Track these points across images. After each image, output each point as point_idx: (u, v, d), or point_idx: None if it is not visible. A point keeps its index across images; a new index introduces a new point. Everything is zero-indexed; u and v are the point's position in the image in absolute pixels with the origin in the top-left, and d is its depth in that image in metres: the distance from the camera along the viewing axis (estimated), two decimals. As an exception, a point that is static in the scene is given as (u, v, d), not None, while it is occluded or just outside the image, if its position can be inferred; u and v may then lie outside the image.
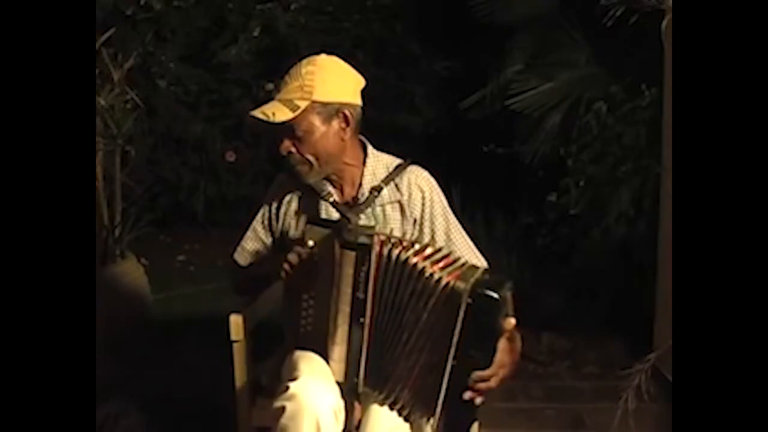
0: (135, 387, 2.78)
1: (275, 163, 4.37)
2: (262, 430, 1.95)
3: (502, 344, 1.66)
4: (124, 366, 2.94)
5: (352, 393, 1.80)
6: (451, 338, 1.62)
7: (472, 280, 1.63)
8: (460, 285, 1.62)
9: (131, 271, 3.42)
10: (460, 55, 4.43)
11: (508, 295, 1.65)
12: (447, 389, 1.66)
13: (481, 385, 1.64)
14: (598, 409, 2.71)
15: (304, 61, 1.90)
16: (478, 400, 1.67)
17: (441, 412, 1.68)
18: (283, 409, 1.70)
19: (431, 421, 1.69)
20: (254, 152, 4.87)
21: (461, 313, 1.61)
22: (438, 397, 1.67)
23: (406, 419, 1.74)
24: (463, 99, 3.98)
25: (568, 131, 3.62)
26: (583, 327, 3.28)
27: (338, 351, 1.79)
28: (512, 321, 1.65)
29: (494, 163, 3.82)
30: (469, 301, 1.60)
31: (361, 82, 1.94)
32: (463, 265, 1.73)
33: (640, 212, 3.39)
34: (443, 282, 1.64)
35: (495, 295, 1.60)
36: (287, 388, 1.71)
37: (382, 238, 1.74)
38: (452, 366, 1.64)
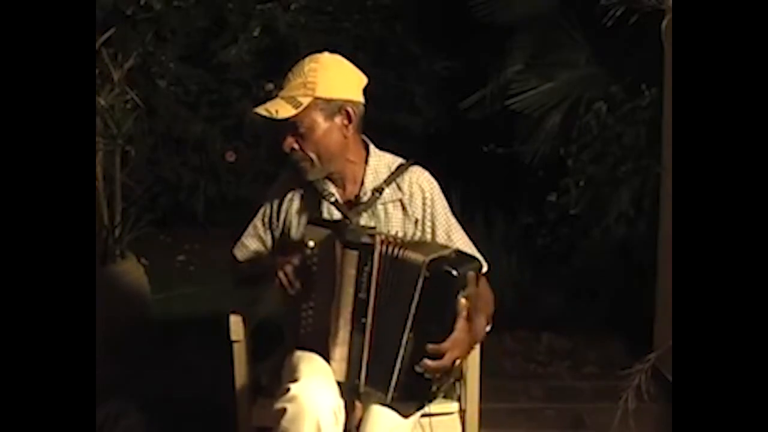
0: (135, 387, 2.77)
1: (275, 163, 4.38)
2: (262, 430, 1.95)
3: (460, 323, 1.70)
4: (124, 366, 2.93)
5: (353, 393, 1.80)
6: (408, 311, 1.67)
7: (433, 255, 1.68)
8: (419, 257, 1.67)
9: (131, 271, 3.42)
10: (460, 55, 4.43)
11: (471, 274, 1.70)
12: (401, 363, 1.70)
13: (433, 363, 1.68)
14: (598, 409, 2.70)
15: (307, 59, 1.91)
16: (430, 366, 1.69)
17: (396, 385, 1.71)
18: (284, 410, 1.70)
19: (387, 394, 1.73)
20: (254, 152, 4.86)
21: (419, 286, 1.66)
22: (393, 369, 1.70)
23: (393, 410, 1.76)
24: (463, 99, 3.98)
25: (568, 131, 3.62)
26: (583, 327, 3.28)
27: (340, 351, 1.79)
28: (464, 301, 1.69)
29: (494, 163, 3.82)
30: (427, 274, 1.65)
31: (363, 80, 1.94)
32: (431, 244, 1.78)
33: (640, 212, 3.39)
34: (405, 255, 1.69)
35: (453, 272, 1.65)
36: (288, 389, 1.71)
37: (384, 237, 1.74)
38: (408, 338, 1.69)
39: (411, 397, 1.75)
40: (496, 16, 3.80)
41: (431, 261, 1.67)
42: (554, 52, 3.74)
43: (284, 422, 1.70)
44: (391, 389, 1.73)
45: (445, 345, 1.69)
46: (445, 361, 1.70)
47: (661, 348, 2.43)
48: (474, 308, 1.74)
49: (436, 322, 1.69)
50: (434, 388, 1.76)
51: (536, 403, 2.84)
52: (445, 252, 1.74)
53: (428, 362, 1.69)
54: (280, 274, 1.81)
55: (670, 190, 2.75)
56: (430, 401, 1.82)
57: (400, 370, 1.71)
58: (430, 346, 1.68)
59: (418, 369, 1.69)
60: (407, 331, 1.69)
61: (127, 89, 3.59)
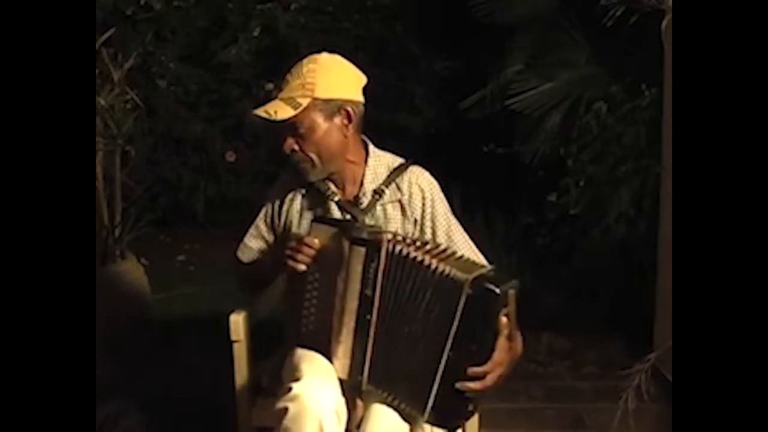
0: (135, 387, 2.77)
1: (275, 163, 4.38)
2: (262, 430, 1.95)
3: (500, 342, 1.66)
4: (124, 366, 2.93)
5: (355, 390, 1.79)
6: (449, 329, 1.63)
7: (476, 273, 1.64)
8: (462, 275, 1.63)
9: (131, 271, 3.42)
10: (460, 55, 4.43)
11: (511, 292, 1.65)
12: (441, 381, 1.66)
13: (476, 385, 1.65)
14: (598, 409, 2.70)
15: (306, 60, 1.91)
16: (473, 386, 1.65)
17: (434, 404, 1.68)
18: (285, 410, 1.70)
19: (425, 412, 1.69)
20: (254, 152, 4.86)
21: (461, 304, 1.61)
22: (431, 388, 1.67)
23: (404, 418, 1.75)
24: (463, 99, 3.98)
25: (568, 131, 3.61)
26: (583, 327, 3.28)
27: (343, 348, 1.79)
28: (505, 320, 1.66)
29: (494, 163, 3.82)
30: (470, 292, 1.61)
31: (362, 79, 1.94)
32: (468, 260, 1.74)
33: (640, 212, 3.39)
34: (444, 271, 1.65)
35: (496, 290, 1.61)
36: (290, 388, 1.70)
37: (390, 236, 1.74)
38: (448, 357, 1.65)
39: (449, 416, 1.71)
40: (496, 16, 3.80)
41: (474, 279, 1.63)
42: (554, 52, 3.74)
43: (286, 421, 1.69)
44: (428, 408, 1.69)
45: (489, 366, 1.65)
46: (488, 381, 1.65)
47: (661, 348, 2.43)
48: (513, 326, 1.70)
49: (477, 340, 1.65)
50: (471, 407, 1.72)
51: (536, 403, 2.84)
52: (483, 270, 1.69)
53: (470, 384, 1.64)
54: (289, 253, 1.79)
55: (670, 190, 2.75)
56: (467, 419, 1.79)
57: (438, 388, 1.66)
58: (475, 369, 1.64)
59: (459, 387, 1.65)
60: (447, 349, 1.64)
61: (127, 89, 3.59)
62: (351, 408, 1.79)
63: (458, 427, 1.77)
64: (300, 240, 1.80)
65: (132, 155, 3.89)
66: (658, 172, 2.99)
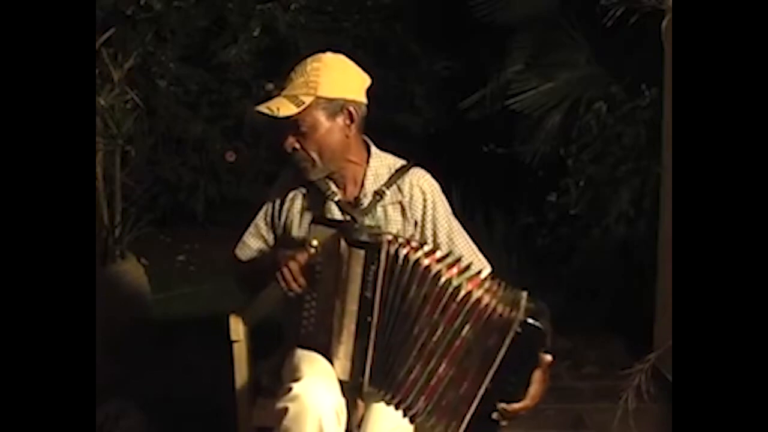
0: (135, 387, 2.77)
1: (275, 163, 4.38)
2: (262, 430, 1.95)
3: (537, 375, 1.69)
4: (124, 366, 2.93)
5: (355, 391, 1.79)
6: (493, 363, 1.64)
7: (522, 309, 1.64)
8: (511, 313, 1.63)
9: (131, 271, 3.42)
10: (460, 55, 4.43)
11: (549, 326, 1.67)
12: (476, 408, 1.68)
13: (511, 408, 1.69)
14: (598, 409, 2.70)
15: (310, 58, 1.90)
16: (504, 423, 1.70)
17: (465, 429, 1.69)
18: (285, 410, 1.70)
19: None
20: (254, 152, 4.86)
21: (508, 340, 1.63)
22: (467, 415, 1.68)
23: (411, 420, 1.75)
24: (463, 99, 3.98)
25: (568, 131, 3.62)
26: (583, 327, 3.27)
27: (343, 350, 1.79)
28: (549, 357, 1.69)
29: (494, 163, 3.82)
30: (519, 330, 1.62)
31: (366, 80, 1.94)
32: (506, 288, 1.73)
33: (640, 212, 3.39)
34: (489, 304, 1.65)
35: (540, 326, 1.63)
36: (290, 388, 1.70)
37: (391, 237, 1.74)
38: (486, 389, 1.66)
39: None
40: (496, 16, 3.80)
41: (524, 319, 1.63)
42: (554, 52, 3.74)
43: (286, 421, 1.69)
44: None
45: (526, 403, 1.70)
46: (520, 411, 1.70)
47: (661, 348, 2.43)
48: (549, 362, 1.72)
49: (517, 373, 1.67)
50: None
51: (536, 403, 2.84)
52: (525, 301, 1.68)
53: (507, 410, 1.68)
54: (279, 275, 1.80)
55: (670, 190, 2.75)
56: None
57: (473, 414, 1.69)
58: (514, 407, 1.68)
59: (495, 417, 1.68)
60: (487, 381, 1.66)
61: (127, 89, 3.59)
62: (351, 408, 1.79)
63: None
64: (291, 257, 1.80)
65: (132, 155, 3.89)
66: (658, 172, 2.99)
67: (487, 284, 1.71)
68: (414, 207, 1.95)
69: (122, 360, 2.95)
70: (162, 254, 4.41)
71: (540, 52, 3.79)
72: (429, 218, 1.95)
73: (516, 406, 1.68)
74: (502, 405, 1.67)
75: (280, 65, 4.32)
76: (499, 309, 1.65)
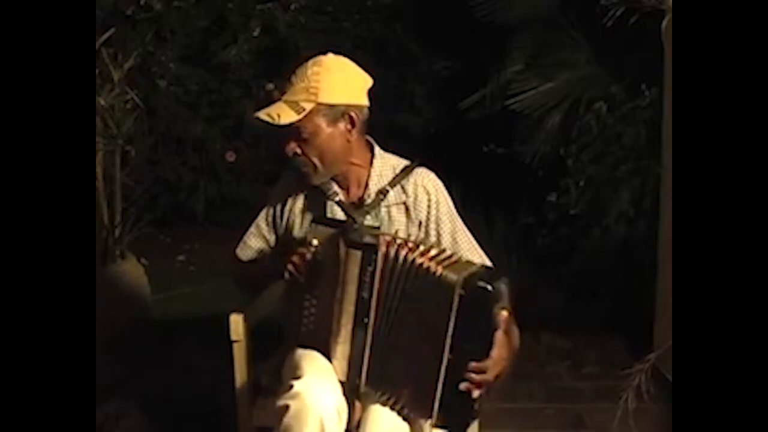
0: (135, 387, 2.77)
1: (275, 163, 4.38)
2: (262, 430, 1.95)
3: (498, 337, 1.66)
4: (124, 366, 2.93)
5: (353, 392, 1.80)
6: (446, 331, 1.63)
7: (465, 273, 1.64)
8: (453, 276, 1.63)
9: (131, 271, 3.42)
10: (460, 55, 4.43)
11: (503, 288, 1.66)
12: (444, 383, 1.66)
13: (478, 377, 1.65)
14: (598, 409, 2.70)
15: (310, 62, 1.88)
16: (476, 393, 1.67)
17: (439, 407, 1.67)
18: (286, 407, 1.70)
19: (431, 418, 1.69)
20: (254, 152, 4.86)
21: (455, 305, 1.62)
22: (435, 392, 1.67)
23: (404, 418, 1.75)
24: (463, 99, 3.98)
25: (568, 131, 3.62)
26: (583, 327, 3.27)
27: (341, 350, 1.79)
28: (505, 313, 1.66)
29: (494, 163, 3.82)
30: (462, 292, 1.61)
31: (368, 81, 1.93)
32: (459, 260, 1.74)
33: (640, 212, 3.39)
34: (437, 273, 1.65)
35: (488, 287, 1.61)
36: (291, 386, 1.70)
37: (388, 238, 1.74)
38: (448, 360, 1.65)
39: (456, 417, 1.71)
40: (496, 16, 3.80)
41: (465, 279, 1.63)
42: (554, 52, 3.74)
43: (287, 419, 1.69)
44: (435, 412, 1.69)
45: (488, 362, 1.65)
46: (489, 377, 1.66)
47: (661, 348, 2.43)
48: (510, 321, 1.70)
49: (475, 339, 1.65)
50: (477, 406, 1.72)
51: (536, 403, 2.84)
52: (473, 268, 1.69)
53: (474, 376, 1.65)
54: (290, 266, 1.79)
55: (670, 190, 2.75)
56: (474, 419, 1.79)
57: (442, 391, 1.66)
58: (474, 364, 1.64)
59: (462, 387, 1.65)
60: (446, 352, 1.64)
61: (127, 89, 3.59)
62: (350, 409, 1.79)
63: (467, 426, 1.76)
64: (299, 252, 1.80)
65: (132, 155, 3.88)
66: (658, 172, 2.99)
67: (440, 256, 1.71)
68: (419, 207, 1.94)
69: (122, 360, 2.95)
70: (162, 254, 4.40)
71: (540, 52, 3.79)
72: (433, 218, 1.95)
73: (477, 364, 1.64)
74: (468, 371, 1.65)
75: (280, 65, 4.33)
76: (443, 274, 1.65)
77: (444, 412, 1.68)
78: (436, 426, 1.72)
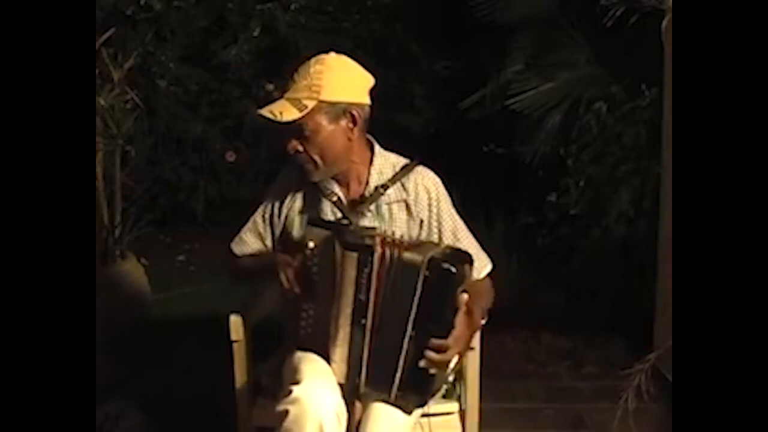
0: (135, 387, 2.77)
1: (275, 163, 4.37)
2: (262, 430, 1.95)
3: (460, 318, 1.73)
4: (124, 366, 2.93)
5: (353, 393, 1.80)
6: (410, 309, 1.69)
7: (430, 253, 1.70)
8: (418, 257, 1.69)
9: (131, 271, 3.42)
10: (460, 55, 4.43)
11: (467, 269, 1.73)
12: (405, 362, 1.72)
13: (436, 356, 1.71)
14: (598, 409, 2.70)
15: (313, 60, 1.89)
16: (433, 371, 1.73)
17: (400, 383, 1.73)
18: (286, 412, 1.70)
19: (391, 393, 1.74)
20: (254, 152, 4.86)
21: (419, 285, 1.68)
22: (396, 368, 1.72)
23: (396, 406, 1.78)
24: (463, 99, 3.98)
25: (568, 131, 3.62)
26: (583, 327, 3.28)
27: (339, 352, 1.79)
28: (466, 296, 1.73)
29: (494, 163, 3.82)
30: (427, 273, 1.68)
31: (369, 81, 1.93)
32: (426, 243, 1.80)
33: (640, 212, 3.39)
34: (405, 257, 1.71)
35: (452, 269, 1.67)
36: (290, 391, 1.70)
37: (384, 239, 1.74)
38: (410, 338, 1.71)
39: (414, 393, 1.77)
40: (496, 16, 3.80)
41: (430, 260, 1.69)
42: (554, 52, 3.74)
43: (287, 424, 1.69)
44: (395, 387, 1.74)
45: (448, 341, 1.72)
46: (448, 355, 1.73)
47: (661, 348, 2.43)
48: (472, 302, 1.76)
49: (437, 319, 1.71)
50: (436, 384, 1.79)
51: (536, 403, 2.84)
52: (439, 249, 1.76)
53: (432, 355, 1.71)
54: (282, 277, 1.80)
55: (670, 190, 2.75)
56: (432, 396, 1.83)
57: (403, 368, 1.73)
58: (434, 341, 1.70)
59: (422, 364, 1.71)
60: (409, 329, 1.71)
61: (127, 89, 3.59)
62: (350, 409, 1.79)
63: (424, 403, 1.82)
64: (288, 263, 1.81)
65: (132, 155, 3.89)
66: (658, 172, 2.99)
67: (404, 242, 1.77)
68: (419, 205, 1.95)
69: (122, 360, 2.95)
70: (162, 254, 4.40)
71: (540, 52, 3.79)
72: (434, 216, 1.95)
73: (437, 341, 1.70)
74: (427, 348, 1.71)
75: (280, 65, 4.33)
76: (410, 257, 1.71)
77: (403, 388, 1.74)
78: (394, 404, 1.77)
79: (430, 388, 1.79)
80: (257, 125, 4.57)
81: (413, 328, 1.70)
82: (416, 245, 1.78)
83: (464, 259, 1.74)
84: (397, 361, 1.72)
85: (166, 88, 4.71)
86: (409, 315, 1.70)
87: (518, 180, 3.87)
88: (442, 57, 4.59)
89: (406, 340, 1.71)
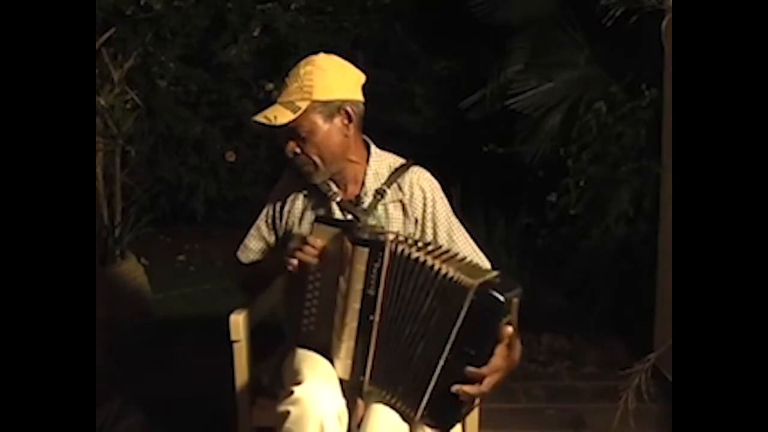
0: (135, 387, 2.78)
1: (275, 163, 4.38)
2: (262, 430, 1.95)
3: (499, 349, 1.65)
4: (124, 366, 2.93)
5: (356, 391, 1.79)
6: (450, 331, 1.63)
7: (482, 278, 1.64)
8: (468, 280, 1.63)
9: (131, 271, 3.42)
10: (460, 55, 4.44)
11: (515, 300, 1.65)
12: (437, 383, 1.66)
13: (471, 389, 1.64)
14: (598, 409, 2.71)
15: (302, 62, 1.91)
16: (465, 398, 1.66)
17: (427, 404, 1.68)
18: (287, 413, 1.69)
19: (418, 411, 1.70)
20: (254, 152, 4.87)
21: (464, 309, 1.61)
22: (426, 388, 1.68)
23: (395, 409, 1.75)
24: (463, 99, 3.98)
25: (568, 131, 3.62)
26: (583, 327, 3.28)
27: (345, 348, 1.79)
28: (510, 329, 1.65)
29: (494, 163, 3.82)
30: (474, 297, 1.61)
31: (360, 78, 1.95)
32: (475, 265, 1.74)
33: (640, 212, 3.39)
34: (450, 275, 1.64)
35: (501, 298, 1.60)
36: (291, 392, 1.70)
37: (394, 236, 1.74)
38: (446, 360, 1.65)
39: (441, 417, 1.71)
40: (496, 16, 3.80)
41: (480, 284, 1.62)
42: (554, 52, 3.74)
43: (287, 424, 1.69)
44: (422, 407, 1.69)
45: (485, 371, 1.64)
46: (483, 387, 1.65)
47: (661, 348, 2.43)
48: (514, 337, 1.68)
49: (477, 346, 1.64)
50: (464, 411, 1.73)
51: (536, 403, 2.84)
52: (489, 275, 1.68)
53: (467, 387, 1.64)
54: (287, 258, 1.78)
55: (670, 190, 2.75)
56: (458, 422, 1.80)
57: (433, 389, 1.67)
58: (472, 370, 1.63)
59: (454, 389, 1.64)
60: (446, 352, 1.64)
61: (127, 89, 3.59)
62: (351, 408, 1.79)
63: (450, 428, 1.76)
64: (303, 239, 1.80)
65: (132, 155, 3.89)
66: (658, 172, 2.99)
67: (447, 258, 1.70)
68: (414, 205, 1.96)
69: (122, 360, 2.95)
70: (162, 254, 4.41)
71: (540, 52, 3.79)
72: (429, 216, 1.96)
73: (474, 369, 1.62)
74: (463, 377, 1.64)
75: (280, 65, 4.34)
76: (458, 277, 1.64)
77: (430, 409, 1.69)
78: (420, 422, 1.73)
79: (457, 415, 1.73)
80: (258, 126, 4.57)
81: (450, 351, 1.64)
82: (455, 259, 1.72)
83: (513, 288, 1.65)
84: (429, 381, 1.67)
85: (166, 88, 4.71)
86: (449, 337, 1.63)
87: (518, 180, 3.86)
88: (442, 57, 4.60)
89: (441, 362, 1.65)
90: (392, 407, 1.75)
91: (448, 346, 1.64)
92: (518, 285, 1.67)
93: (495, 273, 1.71)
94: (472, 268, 1.71)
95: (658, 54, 2.77)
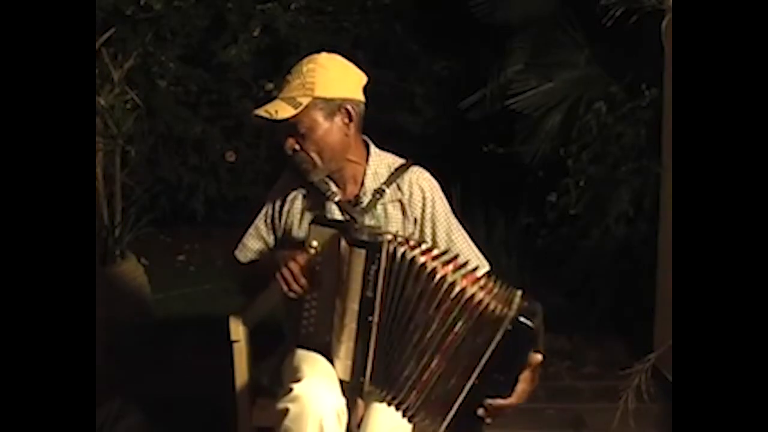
0: (135, 387, 2.77)
1: (275, 163, 4.38)
2: (262, 430, 1.95)
3: (525, 374, 1.68)
4: (124, 366, 2.93)
5: (356, 391, 1.80)
6: (481, 359, 1.64)
7: (515, 306, 1.64)
8: (506, 311, 1.63)
9: (131, 271, 3.42)
10: (460, 55, 4.44)
11: (541, 327, 1.66)
12: (462, 402, 1.68)
13: (495, 412, 1.67)
14: (598, 409, 2.70)
15: (305, 60, 1.91)
16: (488, 420, 1.69)
17: (450, 422, 1.69)
18: (286, 410, 1.70)
19: (440, 429, 1.70)
20: (254, 152, 4.86)
21: (499, 337, 1.62)
22: (451, 410, 1.69)
23: (410, 420, 1.75)
24: (463, 99, 3.98)
25: (568, 131, 3.61)
26: (583, 327, 3.28)
27: (344, 349, 1.79)
28: (539, 357, 1.67)
29: (494, 163, 3.82)
30: (509, 327, 1.62)
31: (362, 78, 1.95)
32: (497, 283, 1.72)
33: (640, 212, 3.39)
34: (486, 305, 1.64)
35: (531, 325, 1.62)
36: (291, 389, 1.70)
37: (391, 237, 1.74)
38: (473, 384, 1.66)
39: None
40: (496, 16, 3.80)
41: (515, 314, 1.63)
42: (554, 52, 3.74)
43: (287, 422, 1.70)
44: (445, 425, 1.71)
45: (512, 400, 1.67)
46: (506, 410, 1.69)
47: (661, 348, 2.43)
48: (539, 362, 1.70)
49: (506, 372, 1.66)
50: (482, 428, 1.75)
51: (536, 403, 2.83)
52: (518, 299, 1.67)
53: (493, 411, 1.68)
54: (279, 276, 1.79)
55: (670, 190, 2.75)
56: None
57: (458, 410, 1.69)
58: (500, 403, 1.67)
59: (480, 413, 1.68)
60: (474, 376, 1.66)
61: (127, 89, 3.59)
62: (351, 407, 1.79)
63: None
64: (289, 257, 1.79)
65: (132, 155, 3.89)
66: (658, 172, 2.99)
67: (482, 281, 1.70)
68: (413, 205, 1.96)
69: (122, 360, 2.95)
70: (162, 254, 4.41)
71: (540, 52, 3.79)
72: (428, 216, 1.96)
73: (501, 402, 1.66)
74: (488, 401, 1.67)
75: (280, 65, 4.34)
76: (492, 305, 1.64)
77: (452, 428, 1.71)
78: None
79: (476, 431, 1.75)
80: (257, 125, 4.57)
81: (477, 377, 1.66)
82: (453, 264, 1.72)
83: (536, 311, 1.66)
84: (454, 401, 1.68)
85: (166, 88, 4.71)
86: (479, 364, 1.64)
87: (518, 180, 3.86)
88: (442, 57, 4.60)
89: (468, 386, 1.66)
90: (397, 408, 1.76)
91: (476, 373, 1.65)
92: (539, 305, 1.68)
93: (519, 294, 1.70)
94: (501, 292, 1.69)
95: (658, 54, 2.77)
